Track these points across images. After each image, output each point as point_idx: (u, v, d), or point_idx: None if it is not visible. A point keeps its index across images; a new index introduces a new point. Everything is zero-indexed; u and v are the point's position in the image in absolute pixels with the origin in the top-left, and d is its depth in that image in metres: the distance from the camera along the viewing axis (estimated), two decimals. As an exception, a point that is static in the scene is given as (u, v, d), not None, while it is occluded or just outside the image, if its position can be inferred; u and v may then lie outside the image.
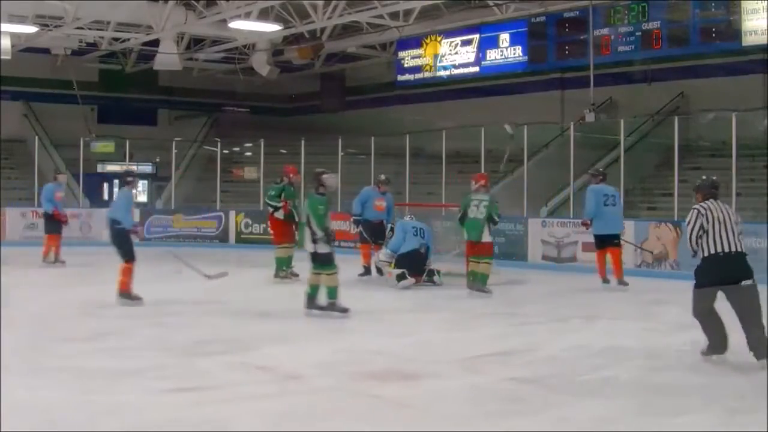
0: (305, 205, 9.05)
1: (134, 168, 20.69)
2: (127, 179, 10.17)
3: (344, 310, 8.79)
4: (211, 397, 5.55)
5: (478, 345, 7.55)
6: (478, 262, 10.90)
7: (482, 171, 13.77)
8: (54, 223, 14.23)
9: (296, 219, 12.63)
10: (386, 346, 7.49)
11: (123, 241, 9.56)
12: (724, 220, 6.69)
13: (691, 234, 6.74)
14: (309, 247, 8.83)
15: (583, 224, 12.01)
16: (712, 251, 6.64)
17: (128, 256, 9.51)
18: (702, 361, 6.84)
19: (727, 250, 6.63)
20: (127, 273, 9.52)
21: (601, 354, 7.15)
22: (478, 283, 10.81)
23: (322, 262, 8.80)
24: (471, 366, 6.68)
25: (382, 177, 12.99)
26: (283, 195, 12.33)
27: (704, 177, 7.10)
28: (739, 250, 6.67)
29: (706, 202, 6.82)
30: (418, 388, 5.91)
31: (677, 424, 5.11)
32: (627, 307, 10.27)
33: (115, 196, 10.10)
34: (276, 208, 12.36)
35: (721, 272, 6.65)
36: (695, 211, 6.78)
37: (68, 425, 4.91)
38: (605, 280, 11.75)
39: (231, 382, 6.04)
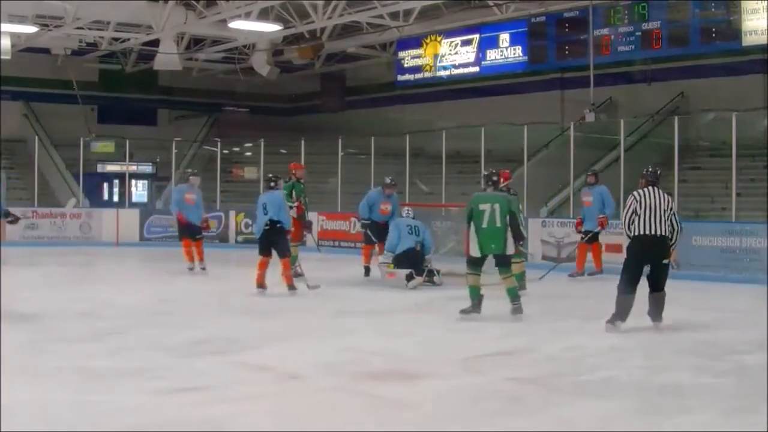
0: (505, 208, 8.67)
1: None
2: (270, 184, 10.88)
3: (521, 311, 8.78)
4: (211, 397, 5.55)
5: (478, 345, 7.55)
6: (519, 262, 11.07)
7: (483, 171, 13.76)
8: (183, 227, 13.35)
9: (306, 217, 12.76)
10: (386, 346, 7.50)
11: (284, 239, 10.53)
12: (655, 206, 7.69)
13: (624, 217, 7.86)
14: (512, 249, 8.79)
15: (603, 223, 12.38)
16: (642, 231, 7.71)
17: (287, 252, 10.53)
18: (702, 361, 6.85)
19: (653, 232, 7.69)
20: (288, 266, 10.57)
21: (601, 354, 7.15)
22: (524, 281, 10.89)
23: (510, 264, 8.87)
24: (471, 366, 6.68)
25: (388, 180, 12.95)
26: (294, 193, 12.45)
27: (651, 168, 8.09)
28: (662, 234, 7.72)
29: (645, 188, 7.82)
30: (418, 388, 5.91)
31: (677, 424, 5.11)
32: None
33: (261, 198, 10.70)
34: (290, 207, 12.45)
35: (645, 251, 7.78)
36: (631, 196, 7.85)
37: (68, 425, 4.90)
38: (581, 273, 12.69)
39: (231, 382, 6.03)
